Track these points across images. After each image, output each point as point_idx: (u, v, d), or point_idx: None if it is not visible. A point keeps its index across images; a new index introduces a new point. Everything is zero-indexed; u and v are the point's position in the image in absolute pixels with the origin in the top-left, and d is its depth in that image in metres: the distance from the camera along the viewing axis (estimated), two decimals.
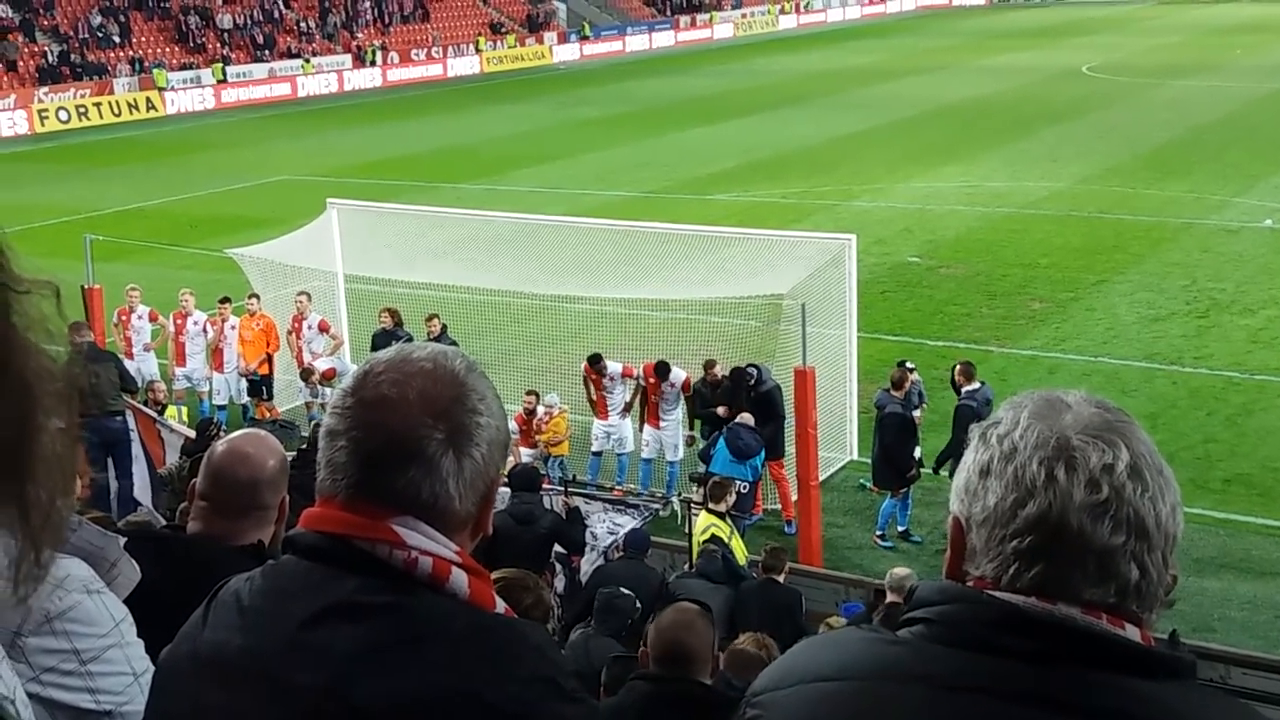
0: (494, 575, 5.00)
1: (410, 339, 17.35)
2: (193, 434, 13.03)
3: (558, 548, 11.31)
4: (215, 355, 18.44)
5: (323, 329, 18.39)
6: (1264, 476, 15.82)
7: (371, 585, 1.76)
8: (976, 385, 14.60)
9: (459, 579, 1.79)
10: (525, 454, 16.12)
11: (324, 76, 61.14)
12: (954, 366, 15.25)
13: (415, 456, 1.78)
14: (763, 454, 14.32)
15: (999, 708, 1.50)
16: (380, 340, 17.54)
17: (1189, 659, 1.61)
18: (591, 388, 16.30)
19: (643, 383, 16.06)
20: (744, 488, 13.94)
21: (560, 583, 11.26)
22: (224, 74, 58.78)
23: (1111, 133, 40.19)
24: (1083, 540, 1.54)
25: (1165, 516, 1.57)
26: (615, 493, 14.56)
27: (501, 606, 1.84)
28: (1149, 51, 61.81)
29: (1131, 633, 1.57)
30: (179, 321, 18.53)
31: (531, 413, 16.12)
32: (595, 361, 16.16)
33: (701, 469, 14.14)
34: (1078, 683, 1.51)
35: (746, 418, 14.42)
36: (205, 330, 18.52)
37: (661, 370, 15.80)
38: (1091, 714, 1.50)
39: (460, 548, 1.83)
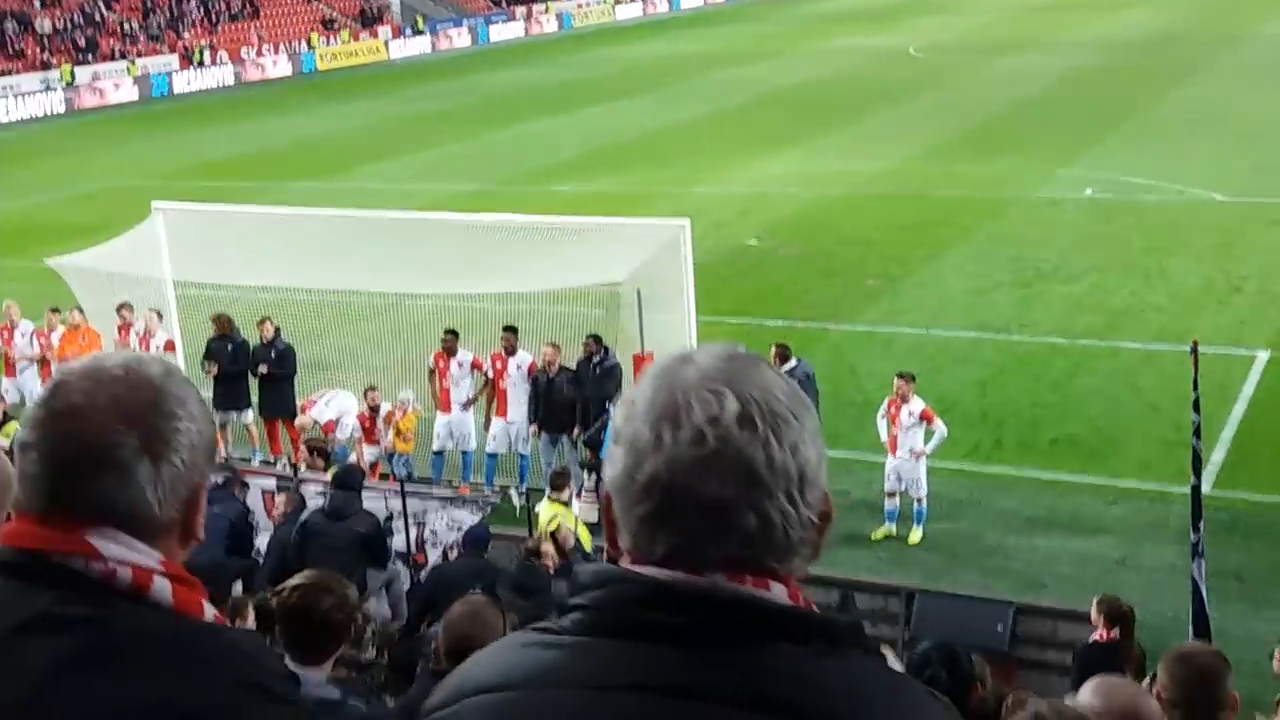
0: (298, 578, 4.98)
1: (245, 344, 17.05)
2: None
3: (399, 546, 11.25)
4: (44, 367, 17.90)
5: (168, 349, 17.83)
6: (1089, 436, 16.45)
7: (68, 598, 1.72)
8: (793, 363, 14.90)
9: (161, 588, 1.76)
10: (369, 452, 15.99)
11: (149, 79, 59.45)
12: (770, 350, 15.46)
13: (107, 464, 1.75)
14: None
15: (651, 704, 1.48)
16: (215, 346, 17.18)
17: (847, 622, 1.58)
18: (437, 378, 16.19)
19: (490, 373, 16.05)
20: None
21: (405, 582, 11.21)
22: (73, 76, 56.95)
23: (938, 111, 41.23)
24: (693, 497, 1.50)
25: (782, 458, 1.50)
26: (462, 490, 14.53)
27: (210, 614, 1.81)
28: (972, 30, 63.48)
29: (777, 591, 1.54)
30: (5, 334, 17.96)
31: (375, 409, 15.98)
32: (450, 336, 16.11)
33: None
34: (725, 665, 1.49)
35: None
36: (33, 341, 17.98)
37: (508, 348, 15.87)
38: (741, 701, 1.48)
39: (166, 556, 1.80)
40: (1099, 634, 9.59)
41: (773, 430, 1.51)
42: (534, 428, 15.78)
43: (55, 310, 18.21)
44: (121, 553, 1.76)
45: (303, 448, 14.51)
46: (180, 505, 1.82)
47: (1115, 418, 16.91)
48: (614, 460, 1.56)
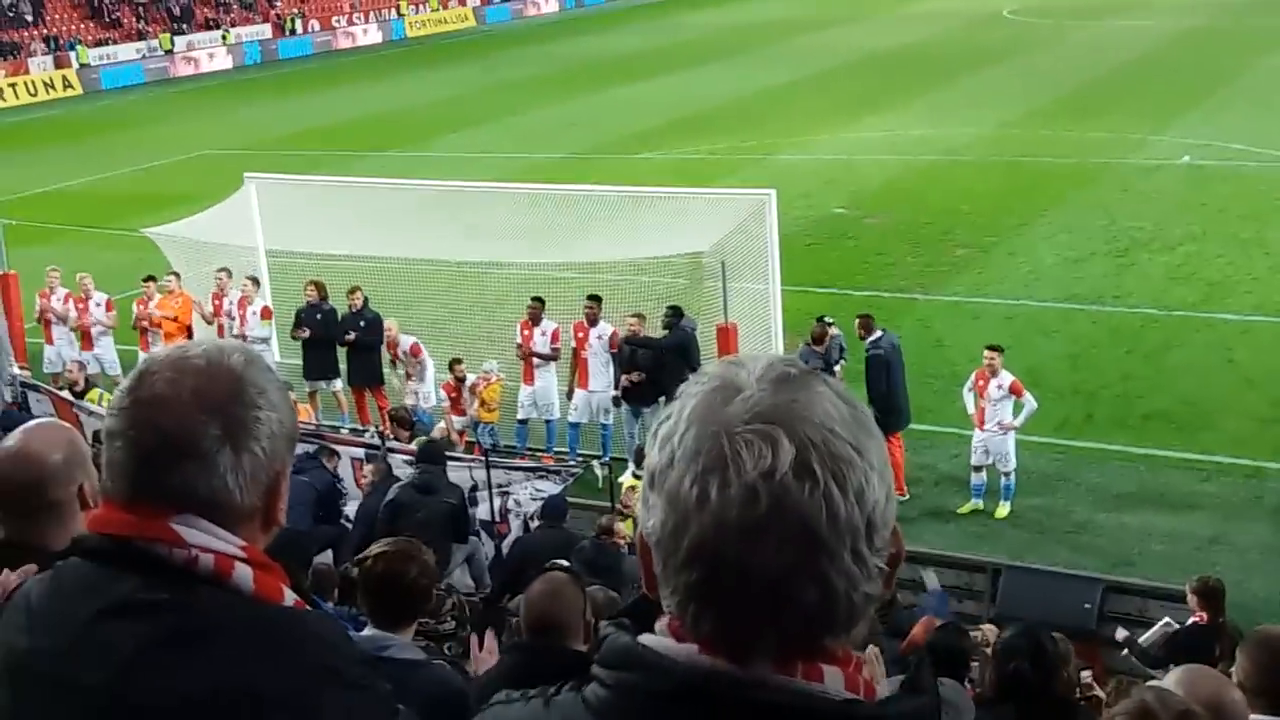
0: (379, 545, 5.06)
1: (334, 312, 17.28)
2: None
3: (483, 515, 11.36)
4: (141, 335, 18.29)
5: (265, 316, 18.11)
6: (1181, 411, 16.12)
7: (152, 584, 1.78)
8: (878, 334, 14.75)
9: (243, 574, 1.82)
10: (456, 421, 16.17)
11: (242, 48, 60.21)
12: (855, 321, 15.30)
13: (190, 453, 1.81)
14: None
15: None
16: (306, 315, 17.42)
17: (915, 708, 1.39)
18: (523, 347, 16.24)
19: (572, 342, 16.12)
20: None
21: (488, 553, 11.34)
22: (172, 44, 58.02)
23: (1031, 76, 40.49)
24: (745, 571, 1.30)
25: (847, 509, 1.31)
26: (545, 460, 14.63)
27: (290, 599, 1.86)
28: None
29: (831, 679, 1.36)
30: (80, 305, 18.31)
31: (461, 380, 16.13)
32: (536, 304, 16.20)
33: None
34: None
35: None
36: (109, 311, 18.36)
37: (590, 318, 15.89)
38: None
39: (248, 541, 1.86)
40: (1196, 616, 9.48)
41: (834, 478, 1.31)
42: (615, 394, 15.75)
43: (150, 279, 18.55)
44: (204, 539, 1.82)
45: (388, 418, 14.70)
46: (261, 492, 1.87)
47: (1209, 392, 16.55)
48: (653, 510, 1.36)
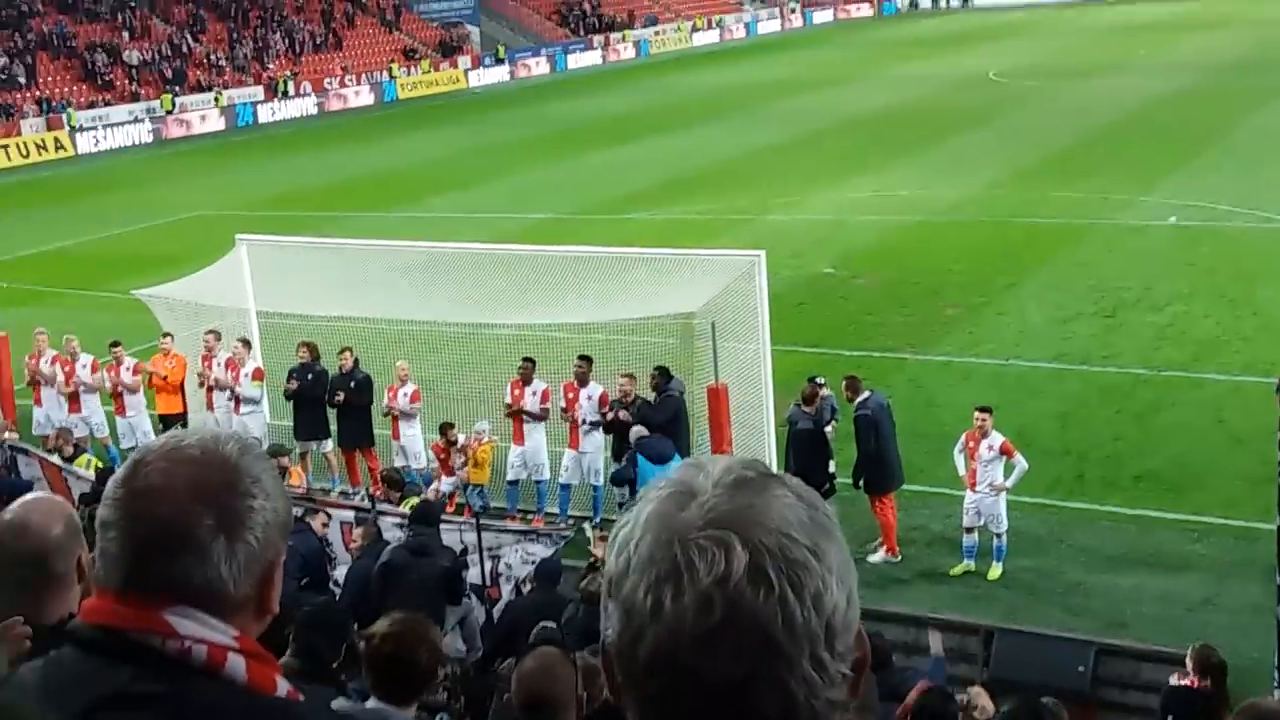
0: (387, 623, 5.06)
1: (325, 373, 17.28)
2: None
3: (474, 579, 11.30)
4: (116, 399, 18.23)
5: (257, 377, 18.06)
6: (1172, 471, 16.14)
7: (146, 675, 1.78)
8: (866, 394, 14.76)
9: (236, 664, 1.82)
10: (446, 482, 16.14)
11: (235, 109, 60.57)
12: (841, 383, 15.29)
13: (185, 544, 1.81)
14: (676, 457, 14.32)
15: None
16: (298, 374, 17.42)
17: None
18: (513, 407, 16.24)
19: (561, 402, 16.13)
20: None
21: (479, 616, 11.27)
22: (173, 105, 58.41)
23: (1018, 136, 40.87)
24: (702, 680, 1.28)
25: (804, 615, 1.29)
26: (535, 522, 14.60)
27: (283, 689, 1.86)
28: (1053, 54, 62.91)
29: None
30: (66, 368, 18.24)
31: (453, 443, 16.12)
32: (527, 364, 16.24)
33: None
34: None
35: (639, 429, 14.53)
36: (95, 373, 18.30)
37: (580, 378, 15.92)
38: None
39: (241, 631, 1.86)
40: (1189, 680, 9.41)
41: (790, 584, 1.29)
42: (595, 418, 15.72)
43: (116, 344, 18.50)
44: (197, 630, 1.81)
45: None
46: (255, 582, 1.87)
47: (1200, 452, 16.59)
48: (611, 620, 1.35)
